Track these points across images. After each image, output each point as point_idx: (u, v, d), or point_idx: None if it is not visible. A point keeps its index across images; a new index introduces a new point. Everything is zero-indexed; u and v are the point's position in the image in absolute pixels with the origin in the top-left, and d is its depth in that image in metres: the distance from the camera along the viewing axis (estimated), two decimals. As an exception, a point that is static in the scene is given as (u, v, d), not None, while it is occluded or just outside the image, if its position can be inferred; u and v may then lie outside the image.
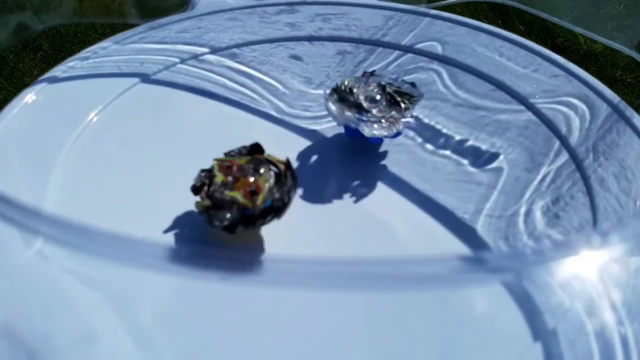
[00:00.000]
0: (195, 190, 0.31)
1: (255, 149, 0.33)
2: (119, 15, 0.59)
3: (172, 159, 0.38)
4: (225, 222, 0.28)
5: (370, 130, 0.36)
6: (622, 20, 0.52)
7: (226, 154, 0.33)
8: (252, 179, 0.30)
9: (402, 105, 0.36)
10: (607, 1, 0.53)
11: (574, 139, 0.38)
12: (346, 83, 0.37)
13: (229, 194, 0.29)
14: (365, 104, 0.37)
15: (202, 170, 0.32)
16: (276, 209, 0.29)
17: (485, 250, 0.31)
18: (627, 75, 1.01)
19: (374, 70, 0.40)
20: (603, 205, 0.34)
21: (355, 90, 0.37)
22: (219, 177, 0.31)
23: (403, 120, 0.36)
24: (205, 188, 0.30)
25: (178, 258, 0.18)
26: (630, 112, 0.40)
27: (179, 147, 0.39)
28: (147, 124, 0.41)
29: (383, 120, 0.36)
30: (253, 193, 0.29)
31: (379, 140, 0.39)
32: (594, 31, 0.53)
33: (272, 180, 0.30)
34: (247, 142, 0.39)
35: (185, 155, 0.39)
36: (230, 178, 0.30)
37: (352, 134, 0.38)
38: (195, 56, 0.46)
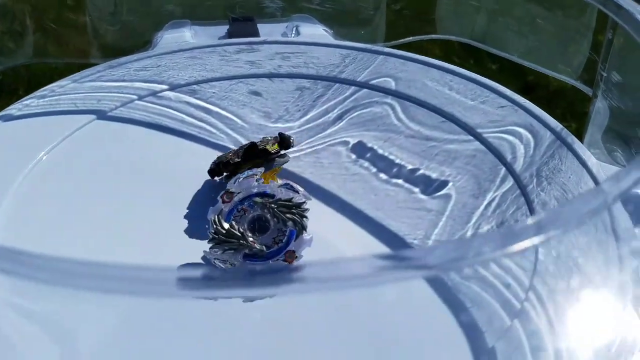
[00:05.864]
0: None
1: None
2: (81, 54, 0.60)
3: (126, 194, 0.38)
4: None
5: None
6: (563, 53, 0.55)
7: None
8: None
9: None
10: (550, 38, 0.56)
11: (518, 166, 0.40)
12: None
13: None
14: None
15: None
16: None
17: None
18: (598, 109, 1.04)
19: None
20: (545, 227, 0.35)
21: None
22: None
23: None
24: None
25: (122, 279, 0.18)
26: (571, 138, 0.42)
27: (134, 182, 0.39)
28: (102, 160, 0.41)
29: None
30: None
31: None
32: (540, 64, 0.56)
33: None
34: (205, 176, 0.40)
35: (140, 190, 0.39)
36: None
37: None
38: (154, 93, 0.47)
